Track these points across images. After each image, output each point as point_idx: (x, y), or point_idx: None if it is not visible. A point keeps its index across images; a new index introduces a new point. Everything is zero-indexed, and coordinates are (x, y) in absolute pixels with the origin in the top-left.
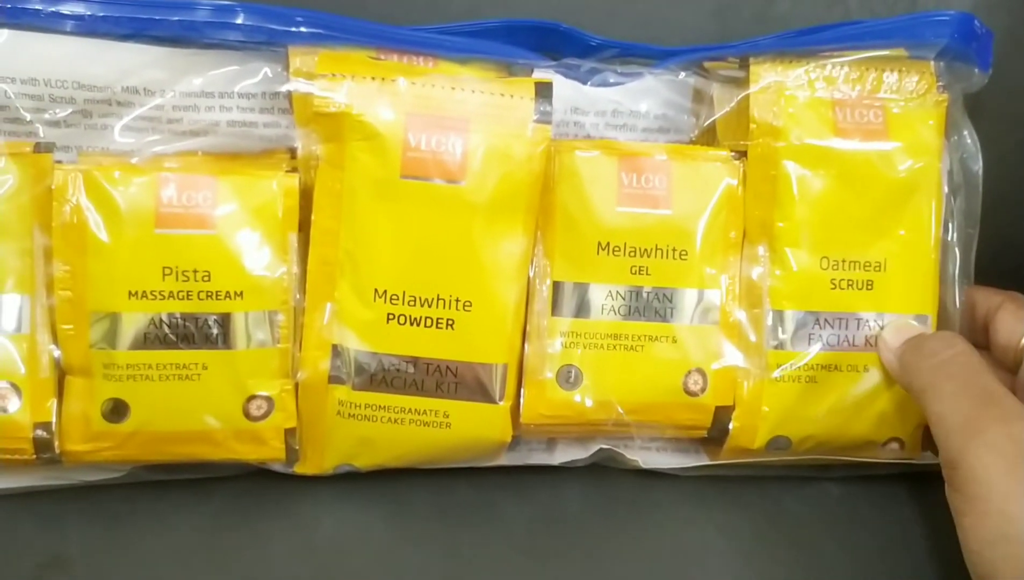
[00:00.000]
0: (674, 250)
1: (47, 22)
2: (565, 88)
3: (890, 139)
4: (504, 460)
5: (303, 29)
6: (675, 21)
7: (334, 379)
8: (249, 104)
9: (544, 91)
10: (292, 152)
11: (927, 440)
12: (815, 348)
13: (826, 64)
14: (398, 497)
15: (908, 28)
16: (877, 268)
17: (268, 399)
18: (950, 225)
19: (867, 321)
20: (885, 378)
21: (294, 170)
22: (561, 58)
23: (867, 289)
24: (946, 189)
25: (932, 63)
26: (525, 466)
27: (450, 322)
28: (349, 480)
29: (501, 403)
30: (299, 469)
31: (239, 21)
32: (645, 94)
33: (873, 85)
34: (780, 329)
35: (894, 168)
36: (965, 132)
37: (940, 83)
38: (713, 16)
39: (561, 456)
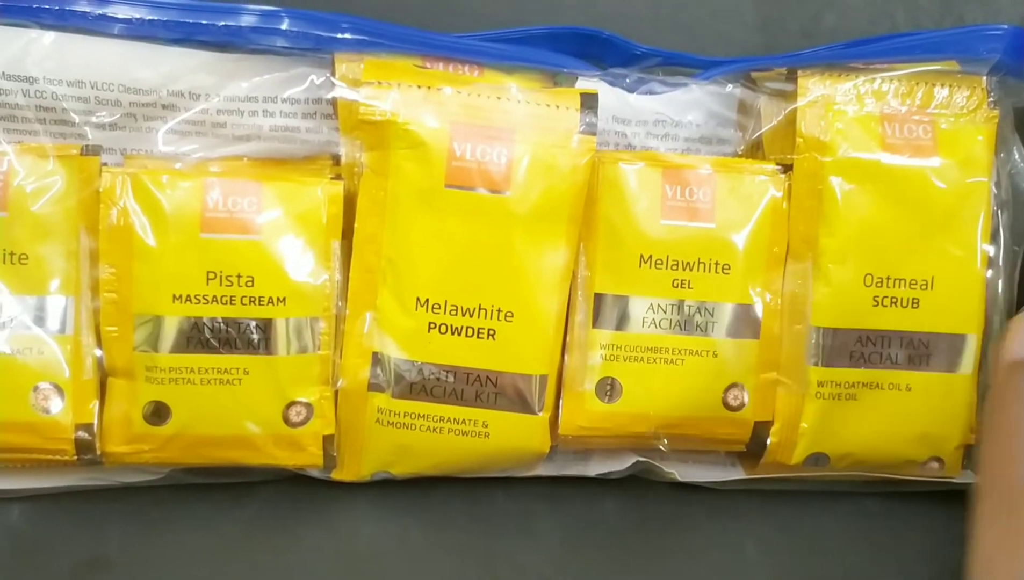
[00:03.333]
0: (717, 264)
1: (95, 25)
2: (609, 97)
3: (939, 155)
4: (540, 470)
5: (348, 36)
6: (721, 33)
7: (374, 387)
8: (292, 109)
9: (589, 102)
10: (335, 158)
11: (967, 459)
12: (856, 366)
13: (875, 78)
14: (434, 505)
15: (960, 42)
16: (924, 286)
17: (308, 405)
18: (996, 242)
19: (910, 339)
20: (926, 397)
21: (338, 177)
22: (605, 66)
23: (913, 307)
24: (994, 206)
25: (984, 78)
26: (562, 477)
27: (491, 332)
28: (386, 487)
29: (540, 414)
30: (336, 475)
31: (284, 27)
32: (689, 105)
33: (923, 100)
34: (822, 346)
35: (943, 185)
36: (1014, 148)
37: (991, 98)
38: (759, 29)
39: (597, 468)
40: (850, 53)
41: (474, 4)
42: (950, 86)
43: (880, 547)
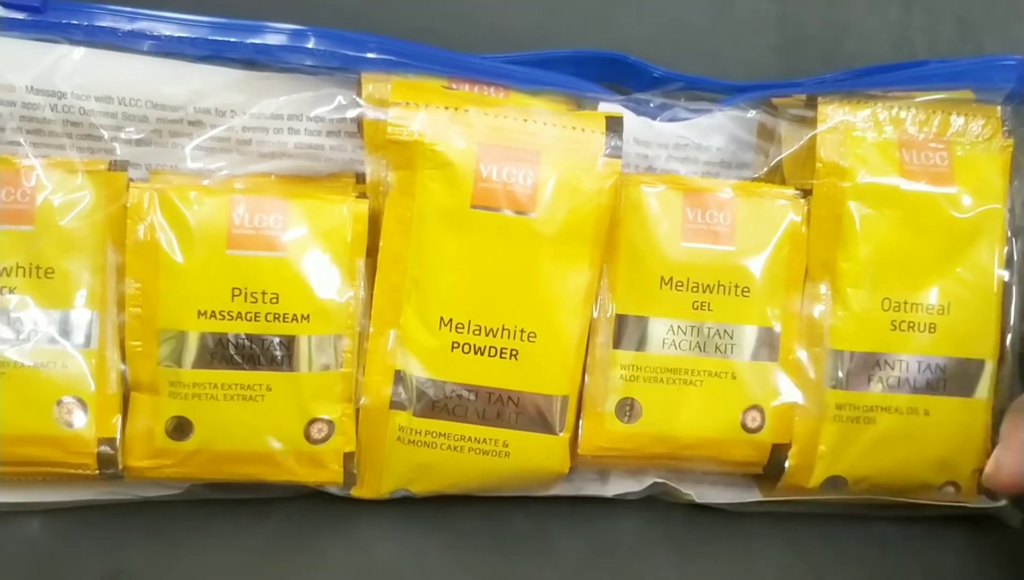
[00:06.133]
0: (736, 286)
1: (124, 42)
2: (632, 120)
3: (955, 182)
4: (558, 490)
5: (375, 55)
6: (741, 57)
7: (396, 405)
8: (317, 127)
9: (615, 125)
10: (358, 176)
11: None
12: (874, 389)
13: (893, 105)
14: (453, 524)
15: (975, 71)
16: (941, 311)
17: (329, 423)
18: (1011, 268)
19: (927, 364)
20: (944, 422)
21: (363, 196)
22: (628, 91)
23: (930, 332)
24: (1009, 232)
25: (998, 107)
26: (580, 497)
27: (514, 352)
28: (405, 505)
29: (560, 434)
30: (356, 493)
31: (311, 46)
32: (710, 129)
33: (939, 128)
34: (839, 369)
35: (959, 211)
36: None
37: (1006, 127)
38: (779, 53)
39: (615, 488)
40: (868, 81)
41: (499, 25)
42: (966, 115)
43: (897, 571)
